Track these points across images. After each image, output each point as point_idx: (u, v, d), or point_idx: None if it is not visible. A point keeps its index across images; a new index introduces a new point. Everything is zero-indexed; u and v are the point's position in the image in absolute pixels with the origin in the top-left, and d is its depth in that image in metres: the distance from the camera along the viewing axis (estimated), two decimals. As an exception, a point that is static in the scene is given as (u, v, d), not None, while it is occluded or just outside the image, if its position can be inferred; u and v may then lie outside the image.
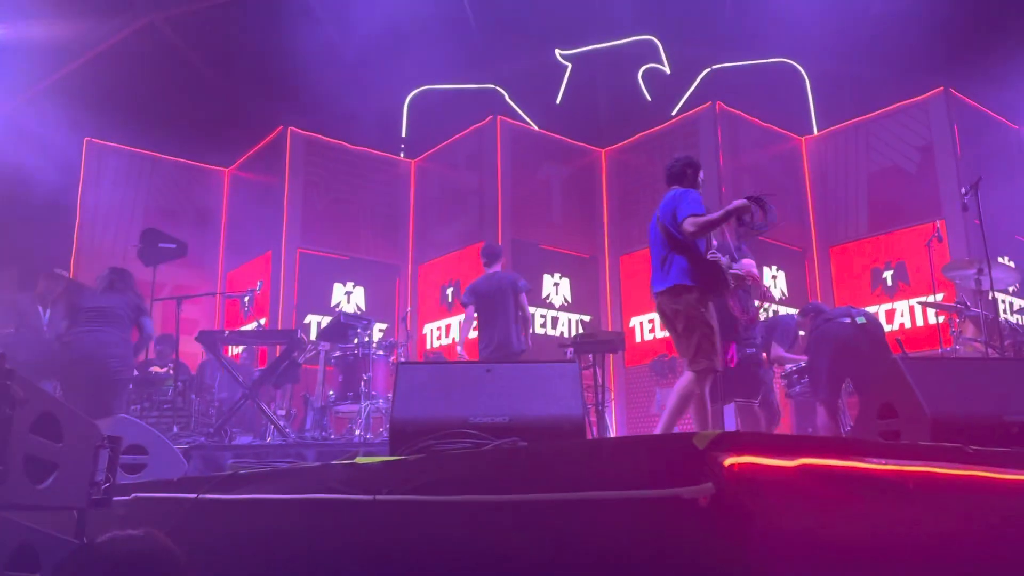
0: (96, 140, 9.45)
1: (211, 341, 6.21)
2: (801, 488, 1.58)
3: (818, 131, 9.88)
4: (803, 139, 9.72)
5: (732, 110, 9.19)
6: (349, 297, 9.45)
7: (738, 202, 4.39)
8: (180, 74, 10.47)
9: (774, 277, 8.93)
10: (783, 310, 8.57)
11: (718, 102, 9.07)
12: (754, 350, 5.08)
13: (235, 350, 8.36)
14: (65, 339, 5.40)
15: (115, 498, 2.48)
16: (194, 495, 2.61)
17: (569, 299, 9.43)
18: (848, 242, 9.04)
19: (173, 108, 10.05)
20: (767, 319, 7.53)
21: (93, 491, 2.20)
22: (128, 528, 1.63)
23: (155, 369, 6.56)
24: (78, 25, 8.97)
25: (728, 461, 1.48)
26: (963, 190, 5.47)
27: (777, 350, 6.38)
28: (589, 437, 5.07)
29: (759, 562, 1.48)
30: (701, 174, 4.84)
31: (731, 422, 5.37)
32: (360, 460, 2.40)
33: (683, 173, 4.74)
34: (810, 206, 9.47)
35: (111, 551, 1.36)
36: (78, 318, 5.40)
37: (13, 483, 1.85)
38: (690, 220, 4.35)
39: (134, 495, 2.91)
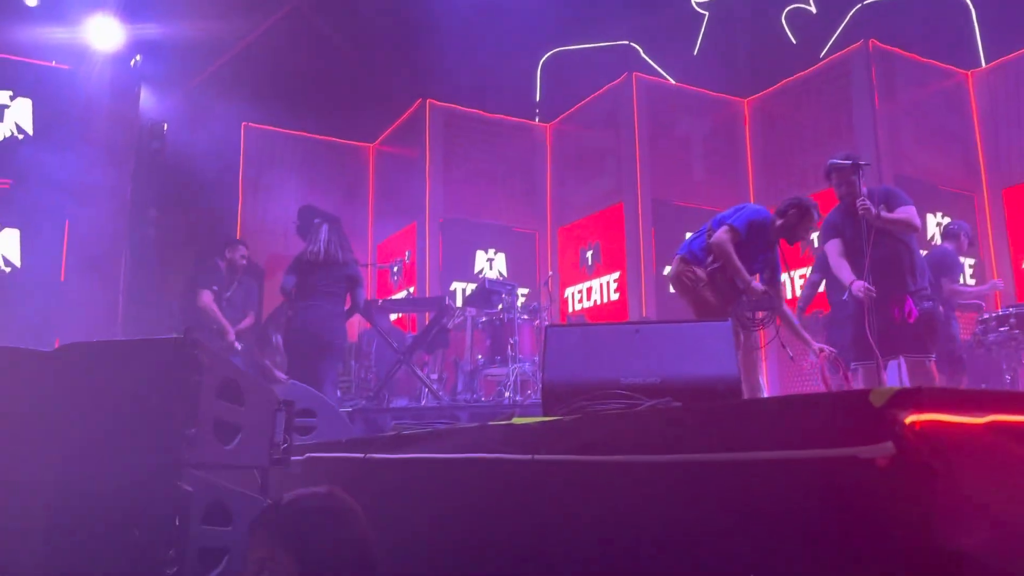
0: (253, 125, 10.02)
1: (369, 311, 6.50)
2: (991, 447, 1.46)
3: (986, 63, 9.02)
4: (969, 73, 8.91)
5: (887, 47, 8.53)
6: (491, 264, 9.61)
7: (757, 286, 4.80)
8: (324, 56, 10.90)
9: (939, 224, 8.31)
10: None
11: (871, 39, 8.44)
12: (931, 303, 4.77)
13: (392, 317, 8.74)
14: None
15: (292, 458, 2.66)
16: (362, 454, 2.75)
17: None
18: (1024, 182, 8.27)
19: (320, 89, 10.49)
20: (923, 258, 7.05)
21: (273, 451, 2.37)
22: (308, 485, 1.74)
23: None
24: (231, 17, 9.50)
25: (909, 419, 1.39)
26: None
27: (950, 285, 6.11)
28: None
29: (945, 525, 1.39)
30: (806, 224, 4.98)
31: (893, 379, 5.09)
32: (516, 421, 2.44)
33: (785, 212, 4.94)
34: (979, 146, 8.70)
35: (302, 507, 1.46)
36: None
37: (204, 444, 2.03)
38: (725, 236, 4.79)
39: (308, 455, 3.11)
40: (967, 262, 8.24)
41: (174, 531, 1.87)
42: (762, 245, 4.97)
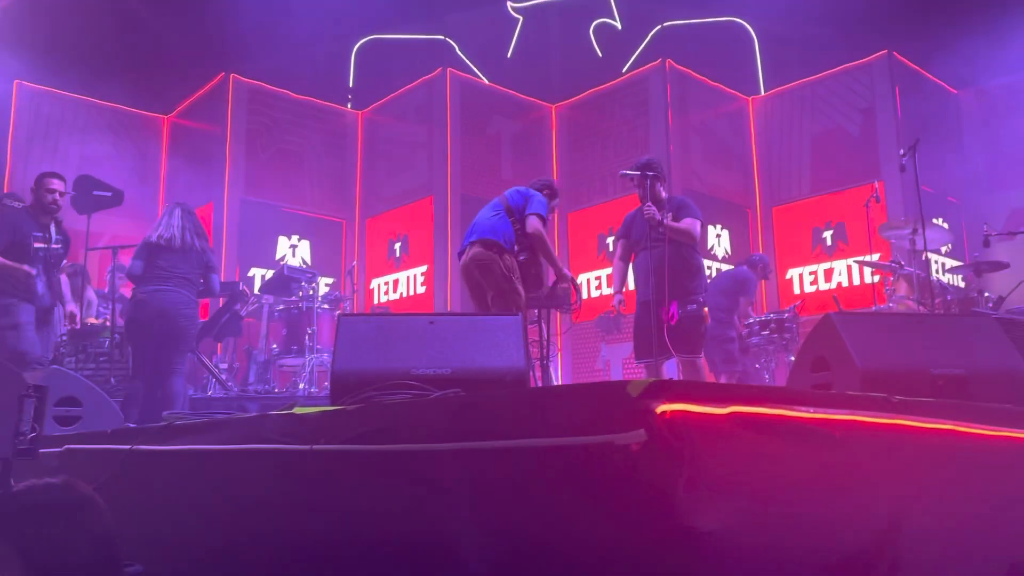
0: (28, 83, 9.03)
1: (233, 296, 6.16)
2: (731, 435, 1.61)
3: (765, 91, 9.96)
4: (750, 99, 9.79)
5: (682, 68, 9.19)
6: (294, 250, 9.30)
7: (568, 274, 5.17)
8: (117, 15, 10.01)
9: (718, 235, 9.05)
10: (726, 268, 8.71)
11: (668, 59, 9.06)
12: (695, 307, 5.16)
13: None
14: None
15: (45, 449, 2.42)
16: (128, 446, 2.56)
17: (517, 255, 9.41)
18: (791, 202, 9.20)
19: (109, 51, 9.61)
20: (725, 274, 7.73)
21: (18, 441, 2.15)
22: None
23: (91, 320, 6.37)
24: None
25: (660, 408, 1.50)
26: (901, 152, 5.59)
27: (746, 304, 6.99)
28: (533, 390, 5.15)
29: (687, 505, 1.51)
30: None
31: (672, 376, 5.48)
32: (298, 410, 2.37)
33: (543, 189, 5.27)
34: (755, 166, 9.59)
35: (28, 498, 1.32)
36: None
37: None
38: (538, 223, 4.95)
39: (66, 446, 2.85)
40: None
41: None
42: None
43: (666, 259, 5.00)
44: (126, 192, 6.78)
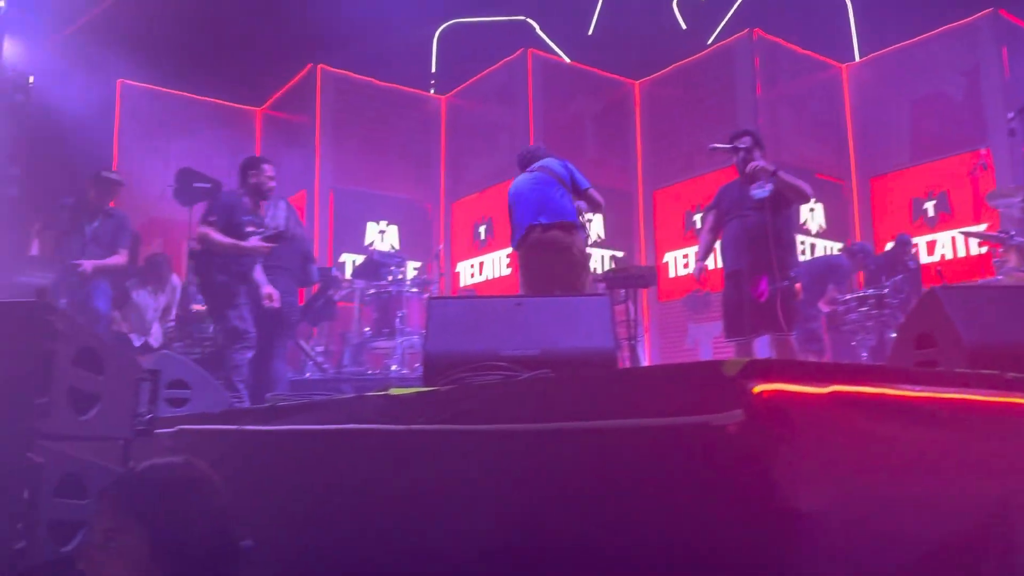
0: (129, 82, 9.47)
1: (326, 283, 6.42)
2: (832, 415, 1.56)
3: (860, 58, 9.54)
4: (844, 66, 9.40)
5: (770, 37, 8.89)
6: (383, 236, 9.50)
7: None
8: (210, 13, 10.37)
9: (812, 209, 8.76)
10: (820, 244, 8.44)
11: (755, 29, 8.78)
12: (788, 282, 4.98)
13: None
14: None
15: (159, 430, 2.56)
16: (236, 426, 2.68)
17: (602, 235, 9.37)
18: (889, 172, 8.81)
19: (202, 47, 9.99)
20: (821, 259, 7.53)
21: (136, 422, 2.28)
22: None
23: (196, 307, 6.67)
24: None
25: (757, 388, 1.47)
26: (1010, 115, 5.28)
27: (833, 292, 6.80)
28: (621, 370, 5.12)
29: (787, 487, 1.48)
30: None
31: (763, 355, 5.35)
32: (394, 391, 2.43)
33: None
34: (850, 136, 9.22)
35: (152, 476, 1.41)
36: None
37: (57, 414, 1.92)
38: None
39: (178, 427, 3.00)
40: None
41: (22, 504, 1.78)
42: None
43: (768, 224, 4.81)
44: (224, 183, 7.06)
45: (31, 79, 7.59)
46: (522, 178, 5.26)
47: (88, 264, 5.73)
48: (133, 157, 9.41)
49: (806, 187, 5.04)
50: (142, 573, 1.34)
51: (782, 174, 4.90)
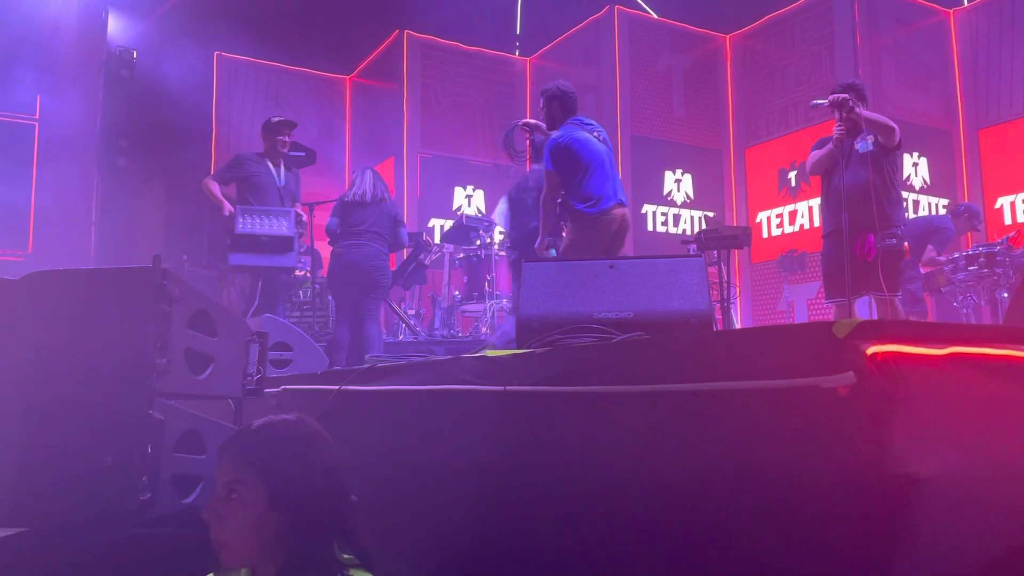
0: (225, 54, 9.76)
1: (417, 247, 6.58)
2: (951, 378, 1.50)
3: (968, 2, 8.94)
4: (951, 11, 8.83)
5: (872, -17, 8.43)
6: (470, 200, 9.55)
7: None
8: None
9: (915, 164, 8.34)
10: (924, 200, 8.04)
11: (856, -25, 8.34)
12: (895, 240, 4.74)
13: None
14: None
15: (266, 389, 2.67)
16: (336, 386, 2.77)
17: (692, 195, 9.17)
18: (1001, 123, 8.28)
19: (295, 19, 10.19)
20: (924, 219, 7.19)
21: (247, 382, 2.38)
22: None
23: (297, 272, 6.89)
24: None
25: (871, 350, 1.41)
26: None
27: (931, 253, 6.48)
28: (716, 332, 5.03)
29: (901, 451, 1.43)
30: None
31: (865, 315, 5.15)
32: (490, 353, 2.46)
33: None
34: (958, 85, 8.69)
35: (268, 432, 1.47)
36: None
37: (175, 374, 2.03)
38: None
39: (283, 387, 3.12)
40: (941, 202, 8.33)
41: (147, 458, 1.89)
42: None
43: (871, 180, 4.58)
44: (316, 151, 7.22)
45: (135, 54, 7.90)
46: (591, 139, 5.09)
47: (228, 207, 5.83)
48: (231, 128, 9.72)
49: (889, 121, 4.74)
50: (261, 523, 1.41)
51: (860, 109, 4.61)
